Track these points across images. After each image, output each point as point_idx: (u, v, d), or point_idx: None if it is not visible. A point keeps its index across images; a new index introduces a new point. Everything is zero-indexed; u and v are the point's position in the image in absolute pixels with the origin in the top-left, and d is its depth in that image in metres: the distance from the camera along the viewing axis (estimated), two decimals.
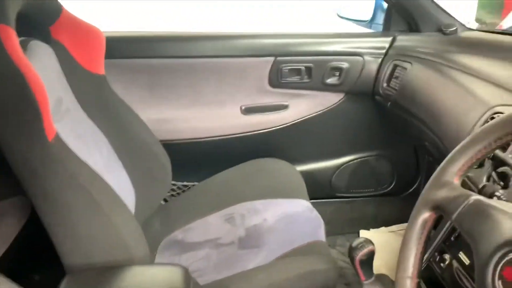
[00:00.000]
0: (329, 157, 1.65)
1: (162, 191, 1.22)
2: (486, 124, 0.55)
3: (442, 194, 0.55)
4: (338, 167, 1.65)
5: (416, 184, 1.74)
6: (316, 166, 1.63)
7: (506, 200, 0.62)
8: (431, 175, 1.74)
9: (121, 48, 1.32)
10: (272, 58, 1.40)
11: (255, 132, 1.51)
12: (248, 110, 1.48)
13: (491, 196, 0.64)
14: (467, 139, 0.57)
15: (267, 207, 1.18)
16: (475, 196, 0.50)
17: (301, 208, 1.18)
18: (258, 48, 1.41)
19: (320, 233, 1.10)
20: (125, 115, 1.08)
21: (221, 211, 1.20)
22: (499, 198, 0.63)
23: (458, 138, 0.94)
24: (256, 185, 1.28)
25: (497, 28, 1.48)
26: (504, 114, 0.54)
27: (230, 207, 1.20)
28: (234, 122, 1.49)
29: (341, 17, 1.68)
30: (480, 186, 0.68)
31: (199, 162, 1.51)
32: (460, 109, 0.99)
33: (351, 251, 0.72)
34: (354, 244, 0.72)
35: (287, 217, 1.14)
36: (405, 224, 1.69)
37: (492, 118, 0.84)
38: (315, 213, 1.16)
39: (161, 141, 1.18)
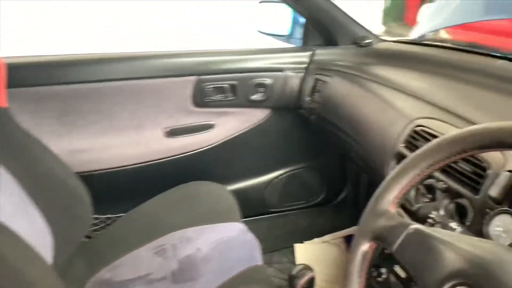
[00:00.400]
0: (260, 173, 1.64)
1: (83, 227, 1.12)
2: (418, 151, 0.56)
3: (380, 223, 0.54)
4: (269, 182, 1.65)
5: (344, 192, 1.79)
6: (248, 183, 1.62)
7: (441, 224, 0.64)
8: (358, 183, 1.80)
9: (24, 75, 1.20)
10: (194, 77, 1.36)
11: (181, 155, 1.46)
12: (171, 133, 1.42)
13: (425, 219, 0.66)
14: (400, 166, 0.57)
15: (199, 235, 1.13)
16: (414, 226, 0.50)
17: (235, 231, 1.14)
18: (179, 68, 1.36)
19: (256, 256, 1.07)
20: (34, 149, 0.98)
21: (150, 243, 1.13)
22: (434, 220, 0.65)
23: (383, 152, 0.97)
24: (186, 212, 1.22)
25: (407, 37, 1.56)
26: (434, 140, 0.55)
27: (160, 238, 1.14)
28: (157, 147, 1.42)
29: (261, 33, 1.68)
30: (414, 208, 0.69)
31: (122, 192, 1.42)
32: (383, 123, 1.01)
33: (292, 280, 0.70)
34: (294, 272, 0.70)
35: (221, 243, 1.10)
36: (337, 233, 1.73)
37: (415, 131, 0.87)
38: (250, 236, 1.13)
39: (77, 173, 1.09)
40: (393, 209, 0.55)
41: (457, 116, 0.82)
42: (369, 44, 1.42)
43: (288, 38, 1.63)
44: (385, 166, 0.93)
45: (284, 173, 1.67)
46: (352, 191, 1.77)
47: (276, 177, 1.66)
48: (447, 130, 0.79)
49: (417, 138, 0.86)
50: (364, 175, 1.64)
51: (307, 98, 1.45)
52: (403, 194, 0.56)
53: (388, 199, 0.56)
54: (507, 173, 0.61)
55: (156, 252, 1.10)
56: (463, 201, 0.70)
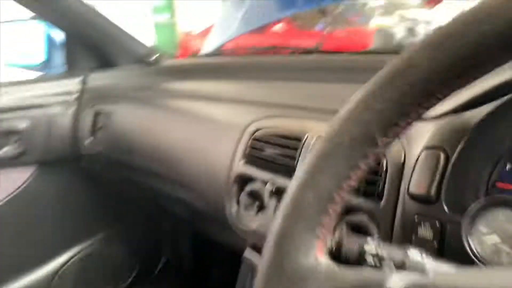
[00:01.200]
0: (36, 263, 1.25)
1: None
2: (339, 116, 0.27)
3: None
4: (54, 274, 1.28)
5: (163, 258, 1.53)
6: (20, 283, 1.21)
7: (390, 260, 0.33)
8: (177, 241, 1.54)
9: None
10: None
11: None
12: None
13: (361, 256, 0.34)
14: (314, 154, 0.27)
15: None
16: (397, 279, 0.22)
17: None
18: None
19: None
20: None
21: None
22: (376, 258, 0.35)
23: (215, 181, 0.76)
24: None
25: (201, 53, 1.45)
26: (353, 95, 0.28)
27: None
28: None
29: (11, 66, 1.32)
30: (331, 243, 0.38)
31: None
32: (204, 143, 0.85)
33: None
34: None
35: None
36: None
37: (255, 138, 0.71)
38: None
39: None
40: (321, 256, 0.26)
41: (294, 107, 0.73)
42: (157, 62, 1.28)
43: (45, 65, 1.30)
44: (224, 200, 0.70)
45: (75, 254, 1.32)
46: (172, 254, 1.53)
47: (64, 263, 1.30)
48: (295, 123, 0.68)
49: (259, 147, 0.69)
50: (186, 228, 1.43)
51: (86, 141, 1.19)
52: (338, 215, 0.27)
53: (309, 237, 0.25)
54: (427, 151, 0.41)
55: None
56: (359, 218, 0.49)
